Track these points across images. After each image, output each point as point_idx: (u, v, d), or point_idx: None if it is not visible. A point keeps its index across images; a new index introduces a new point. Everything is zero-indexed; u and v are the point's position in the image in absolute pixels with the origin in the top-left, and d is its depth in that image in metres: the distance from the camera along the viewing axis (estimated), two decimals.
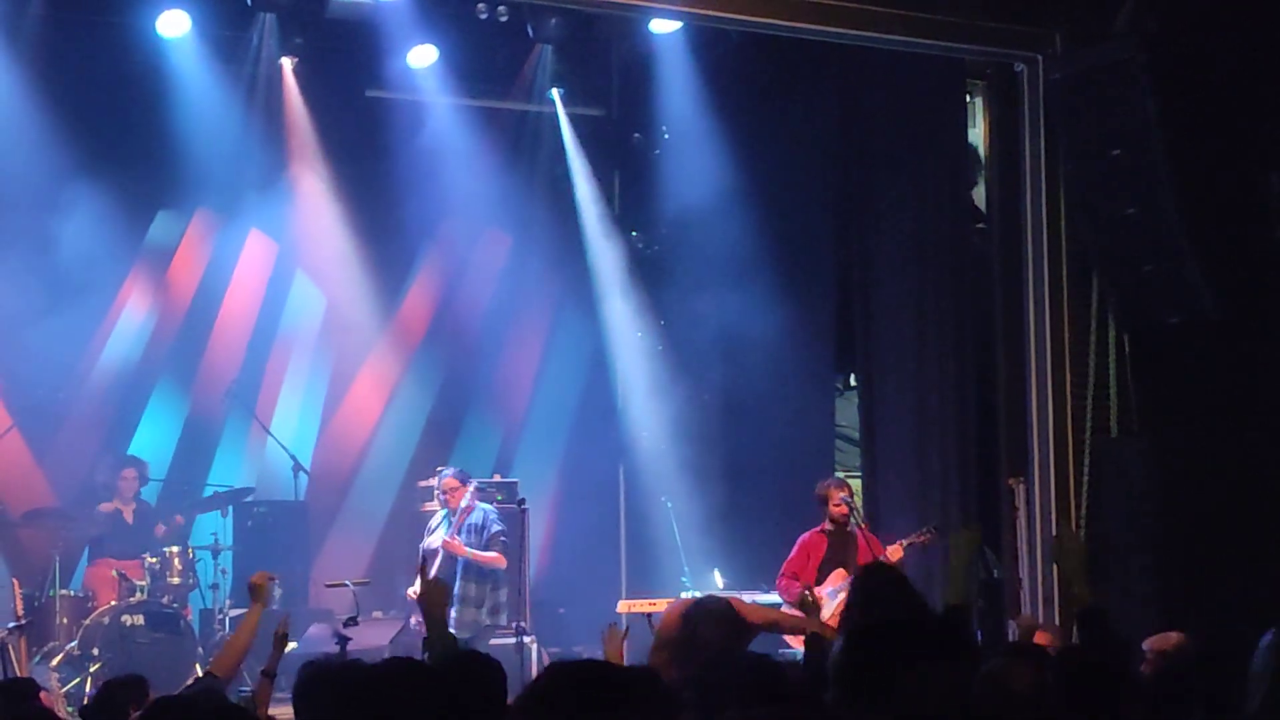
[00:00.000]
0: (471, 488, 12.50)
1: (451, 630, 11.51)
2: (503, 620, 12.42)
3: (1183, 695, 6.03)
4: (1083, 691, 5.08)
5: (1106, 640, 6.47)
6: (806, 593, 9.04)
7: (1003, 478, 13.11)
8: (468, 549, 12.30)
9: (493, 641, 12.22)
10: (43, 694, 9.83)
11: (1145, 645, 7.70)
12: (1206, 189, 11.68)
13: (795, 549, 11.65)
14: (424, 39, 13.85)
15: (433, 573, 12.04)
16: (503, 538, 12.37)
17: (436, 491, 12.62)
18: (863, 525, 11.72)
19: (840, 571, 11.43)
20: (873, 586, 6.69)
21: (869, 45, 12.70)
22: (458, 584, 12.28)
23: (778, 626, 9.03)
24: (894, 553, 11.30)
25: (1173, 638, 7.76)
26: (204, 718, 5.32)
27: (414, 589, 12.35)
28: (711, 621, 7.40)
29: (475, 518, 12.45)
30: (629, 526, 14.95)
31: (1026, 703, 4.79)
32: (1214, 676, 6.14)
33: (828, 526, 11.61)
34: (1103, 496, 12.54)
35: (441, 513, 12.61)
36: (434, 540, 12.46)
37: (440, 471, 12.67)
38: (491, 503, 13.30)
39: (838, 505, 11.47)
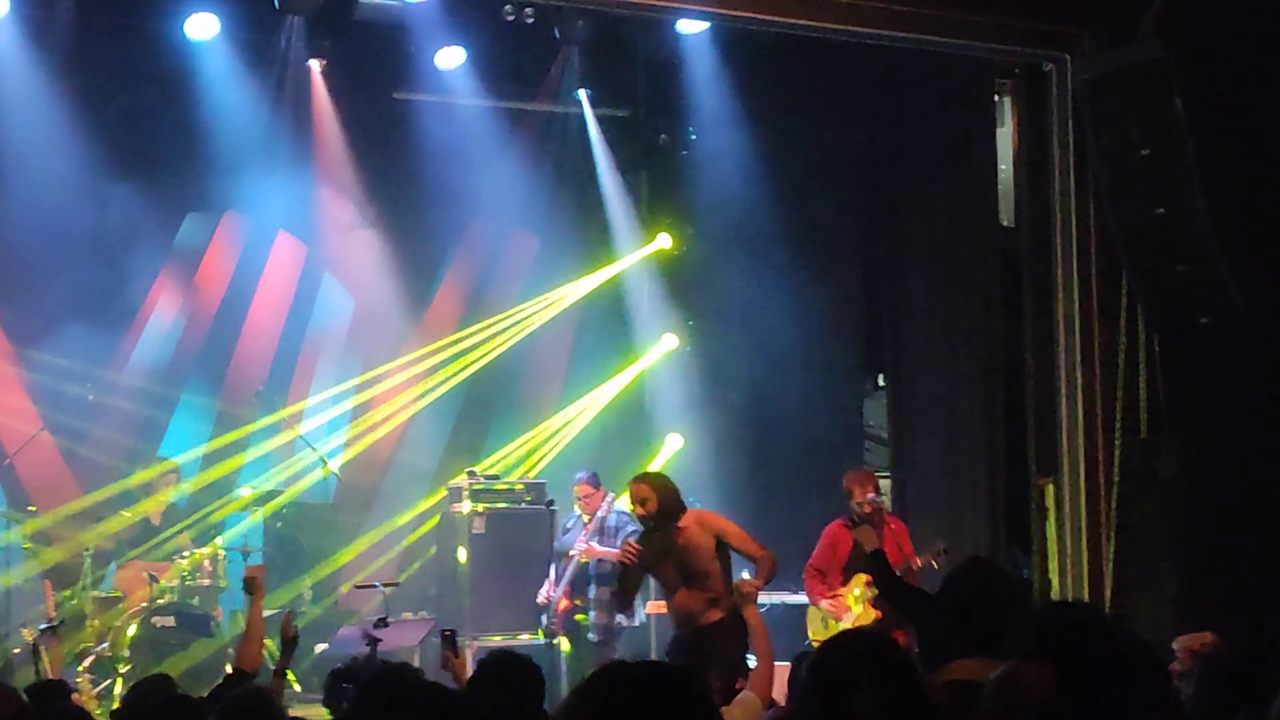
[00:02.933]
0: (605, 491, 12.64)
1: (591, 635, 12.26)
2: (637, 621, 12.60)
3: (1215, 695, 6.02)
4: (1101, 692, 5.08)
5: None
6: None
7: (1032, 478, 13.09)
8: (607, 550, 12.35)
9: (522, 639, 12.32)
10: (75, 696, 9.92)
11: (1175, 645, 7.68)
12: (1235, 188, 11.66)
13: (820, 542, 11.54)
14: (451, 41, 13.87)
15: (567, 576, 12.37)
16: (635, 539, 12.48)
17: (576, 499, 12.71)
18: (892, 516, 11.63)
19: (863, 577, 11.34)
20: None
21: (897, 45, 12.69)
22: (592, 589, 12.51)
23: None
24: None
25: (1205, 637, 7.75)
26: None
27: (545, 591, 12.54)
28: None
29: (611, 520, 12.55)
30: None
31: (1039, 704, 4.79)
32: (1245, 676, 6.12)
33: (855, 518, 11.45)
34: (1132, 496, 12.52)
35: (575, 514, 12.71)
36: (568, 541, 12.61)
37: (578, 477, 12.71)
38: (520, 504, 13.35)
39: (860, 503, 11.31)
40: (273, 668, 7.63)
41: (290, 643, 7.68)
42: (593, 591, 12.49)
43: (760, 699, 7.32)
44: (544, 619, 12.56)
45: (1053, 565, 12.81)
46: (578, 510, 12.70)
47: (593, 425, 15.24)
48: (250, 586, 8.04)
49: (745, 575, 10.02)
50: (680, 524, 9.85)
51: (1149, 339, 12.57)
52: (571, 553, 12.46)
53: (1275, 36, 11.56)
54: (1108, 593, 12.44)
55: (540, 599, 12.55)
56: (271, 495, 13.71)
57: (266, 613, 12.52)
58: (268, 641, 10.18)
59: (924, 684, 4.07)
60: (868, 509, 11.21)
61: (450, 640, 8.11)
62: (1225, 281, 11.68)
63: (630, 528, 12.38)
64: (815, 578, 11.36)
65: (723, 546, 9.86)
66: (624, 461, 14.79)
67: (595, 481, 12.65)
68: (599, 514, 12.46)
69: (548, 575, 12.57)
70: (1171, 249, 11.89)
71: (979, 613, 5.82)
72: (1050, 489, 12.85)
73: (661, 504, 9.85)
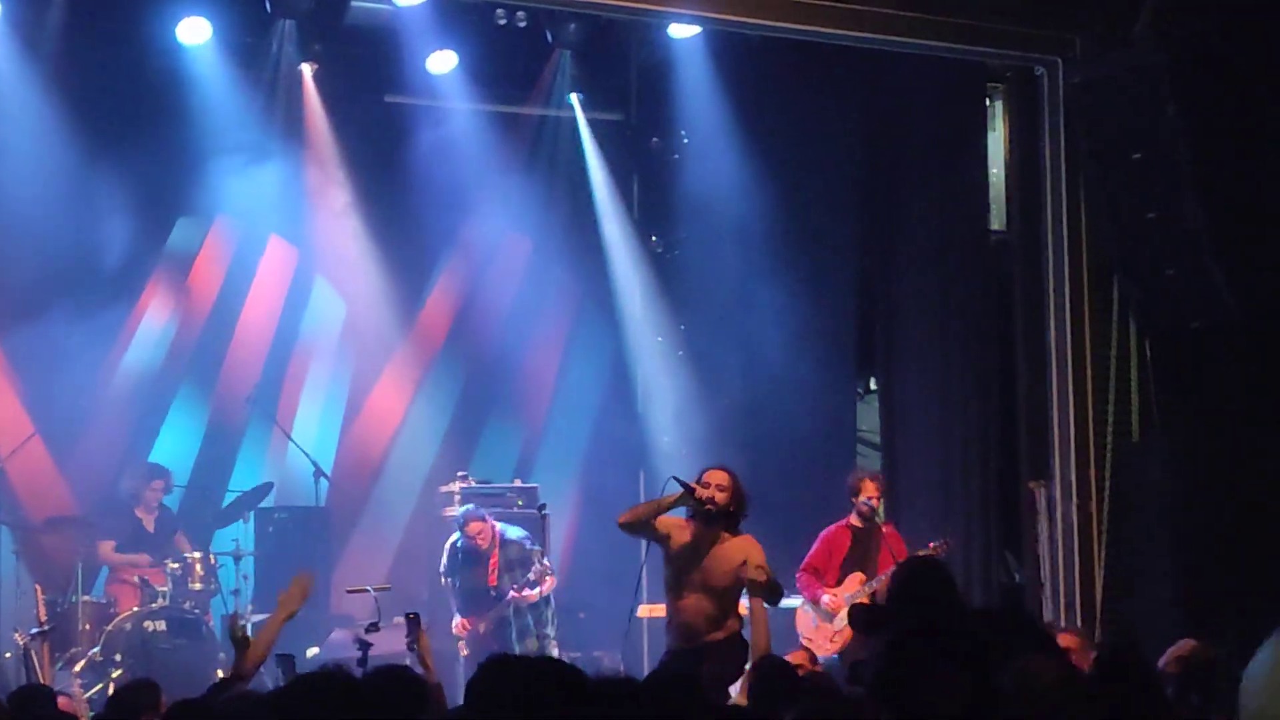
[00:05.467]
0: (490, 520, 12.67)
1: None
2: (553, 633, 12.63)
3: (1201, 701, 6.03)
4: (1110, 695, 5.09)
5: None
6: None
7: (1024, 481, 13.10)
8: (534, 593, 12.43)
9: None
10: (66, 700, 9.90)
11: (1161, 661, 7.66)
12: (1228, 192, 11.67)
13: (818, 543, 11.60)
14: (443, 44, 13.86)
15: (495, 614, 12.44)
16: (545, 559, 12.52)
17: (463, 536, 12.64)
18: (888, 524, 11.72)
19: (858, 575, 11.40)
20: (914, 586, 6.60)
21: (889, 49, 12.70)
22: (519, 620, 12.45)
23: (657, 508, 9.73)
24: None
25: (1190, 644, 7.74)
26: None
27: (457, 622, 12.56)
28: None
29: (513, 553, 12.57)
30: None
31: (1051, 699, 4.80)
32: (1235, 678, 6.12)
33: (853, 521, 11.50)
34: (1124, 500, 12.53)
35: (455, 539, 12.70)
36: (476, 579, 12.56)
37: (469, 514, 12.68)
38: (513, 507, 13.35)
39: (868, 499, 11.38)
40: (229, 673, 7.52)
41: (241, 644, 7.51)
42: (518, 625, 12.49)
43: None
44: (461, 646, 12.55)
45: (1045, 569, 12.81)
46: (459, 540, 12.67)
47: (583, 428, 15.24)
48: (285, 602, 7.71)
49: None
50: (729, 534, 9.52)
51: (1141, 342, 12.58)
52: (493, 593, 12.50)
53: (1267, 39, 11.57)
54: (1099, 596, 12.46)
55: (455, 629, 12.57)
56: (261, 491, 13.69)
57: (257, 618, 12.65)
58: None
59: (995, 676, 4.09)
60: (874, 504, 11.34)
61: (415, 622, 8.19)
62: (1217, 285, 11.69)
63: (535, 549, 12.53)
64: (810, 573, 11.42)
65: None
66: (615, 464, 14.81)
67: (482, 514, 12.69)
68: (495, 549, 12.52)
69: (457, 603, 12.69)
70: (1163, 253, 11.90)
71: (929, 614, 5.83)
72: (1042, 492, 12.86)
73: (730, 503, 9.47)
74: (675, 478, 9.58)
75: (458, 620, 12.62)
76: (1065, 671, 4.92)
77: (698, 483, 9.43)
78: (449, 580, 12.74)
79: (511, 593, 12.41)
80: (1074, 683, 4.91)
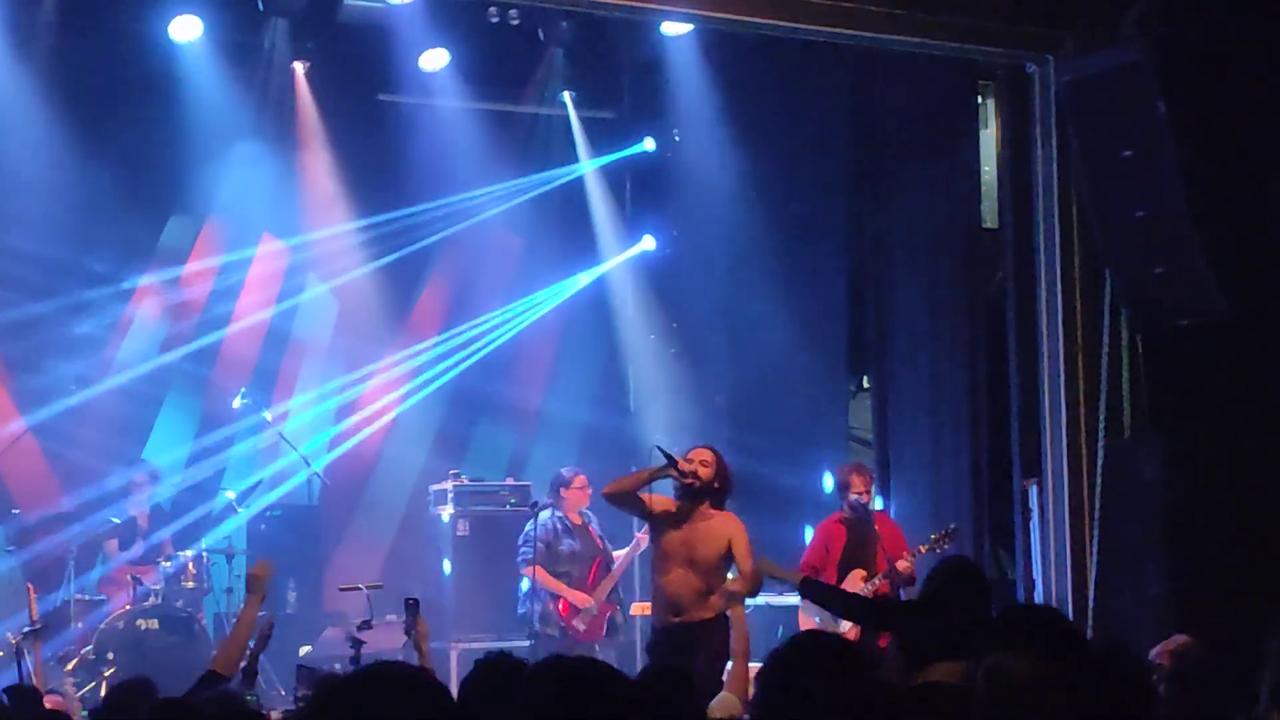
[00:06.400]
0: None
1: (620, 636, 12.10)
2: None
3: (1192, 697, 6.04)
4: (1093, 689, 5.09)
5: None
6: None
7: (1016, 479, 13.10)
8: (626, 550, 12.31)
9: (508, 643, 12.27)
10: (58, 698, 9.90)
11: (1153, 652, 7.68)
12: (1218, 190, 11.66)
13: (814, 539, 11.56)
14: (436, 42, 13.88)
15: (610, 582, 12.08)
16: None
17: (564, 489, 12.23)
18: (880, 512, 11.67)
19: (860, 572, 11.34)
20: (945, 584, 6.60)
21: (880, 47, 12.70)
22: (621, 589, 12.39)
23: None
24: (904, 566, 11.14)
25: (1180, 640, 7.75)
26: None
27: (596, 598, 12.06)
28: None
29: (598, 524, 12.38)
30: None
31: (1027, 693, 4.81)
32: (1226, 677, 6.15)
33: (846, 514, 11.44)
34: (1115, 497, 12.53)
35: (551, 515, 12.16)
36: (576, 548, 12.13)
37: (577, 471, 12.41)
38: (505, 506, 13.35)
39: (858, 494, 11.33)
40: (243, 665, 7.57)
41: (263, 643, 7.63)
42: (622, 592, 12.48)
43: (738, 697, 7.33)
44: (579, 623, 11.98)
45: (1036, 566, 12.82)
46: (555, 511, 12.15)
47: (576, 426, 15.25)
48: (252, 585, 7.84)
49: (730, 576, 10.03)
50: (713, 510, 9.75)
51: (1132, 340, 12.58)
52: (617, 555, 12.22)
53: (1257, 38, 11.58)
54: (1090, 594, 12.46)
55: (579, 602, 11.97)
56: (255, 497, 13.69)
57: None
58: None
59: (883, 685, 4.08)
60: (864, 498, 11.28)
61: (414, 608, 8.26)
62: (1207, 283, 11.69)
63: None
64: (809, 572, 11.31)
65: (729, 555, 9.73)
66: (608, 463, 14.80)
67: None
68: (582, 515, 12.39)
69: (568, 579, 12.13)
70: (1153, 250, 11.89)
71: (960, 614, 5.83)
72: (1034, 490, 12.86)
73: (715, 479, 9.70)
74: (659, 447, 9.75)
75: (578, 596, 11.97)
76: (1040, 668, 4.92)
77: (684, 460, 9.62)
78: (553, 552, 12.00)
79: (623, 549, 12.15)
80: (1049, 679, 4.91)
